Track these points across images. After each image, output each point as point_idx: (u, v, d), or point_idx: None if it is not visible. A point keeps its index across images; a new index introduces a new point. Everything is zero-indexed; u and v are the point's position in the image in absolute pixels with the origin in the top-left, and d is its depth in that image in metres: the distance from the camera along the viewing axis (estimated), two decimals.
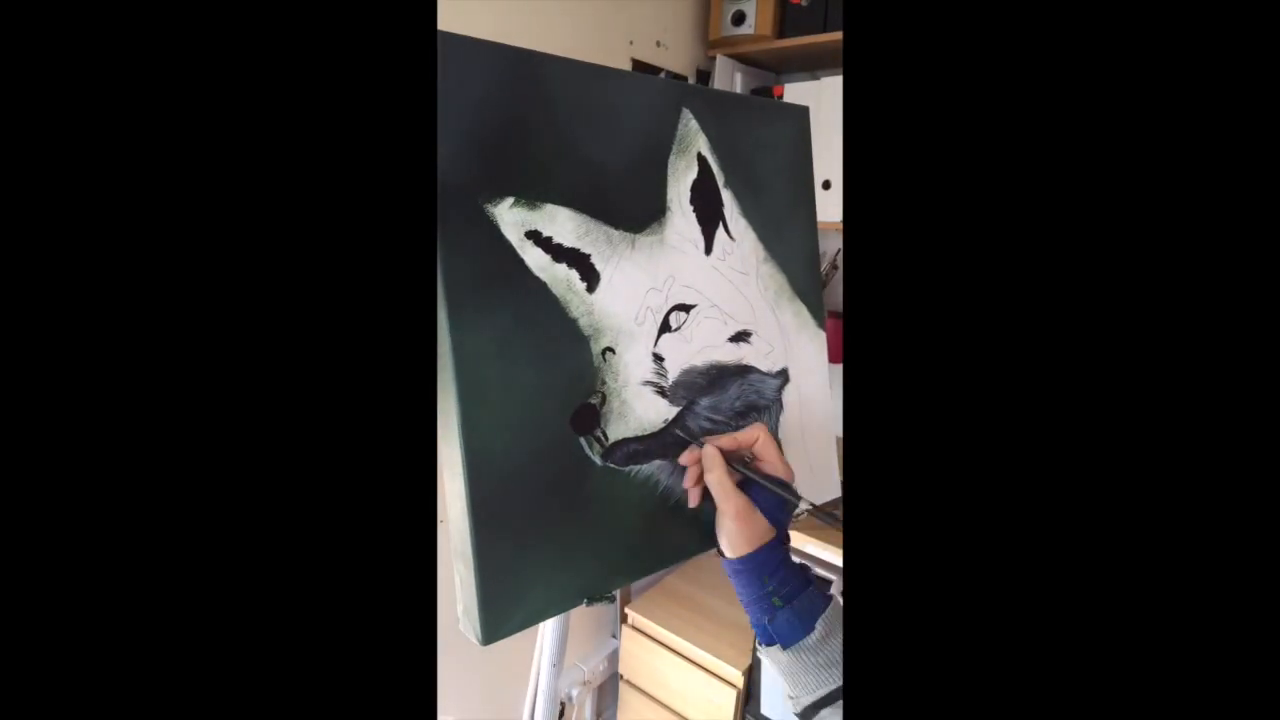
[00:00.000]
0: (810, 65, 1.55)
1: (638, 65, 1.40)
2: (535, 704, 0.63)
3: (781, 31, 1.43)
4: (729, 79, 1.53)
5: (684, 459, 0.55)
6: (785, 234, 0.70)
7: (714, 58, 1.51)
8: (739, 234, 0.66)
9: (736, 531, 0.49)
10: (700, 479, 0.54)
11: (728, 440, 0.54)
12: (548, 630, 0.59)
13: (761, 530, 0.50)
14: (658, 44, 1.45)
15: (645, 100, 0.58)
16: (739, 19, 1.44)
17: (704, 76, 1.57)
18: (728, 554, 0.50)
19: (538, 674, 0.63)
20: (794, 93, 1.43)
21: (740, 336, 0.65)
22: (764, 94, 1.49)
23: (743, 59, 1.54)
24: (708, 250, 0.63)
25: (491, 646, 0.48)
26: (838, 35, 1.35)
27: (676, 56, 1.51)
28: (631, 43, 1.38)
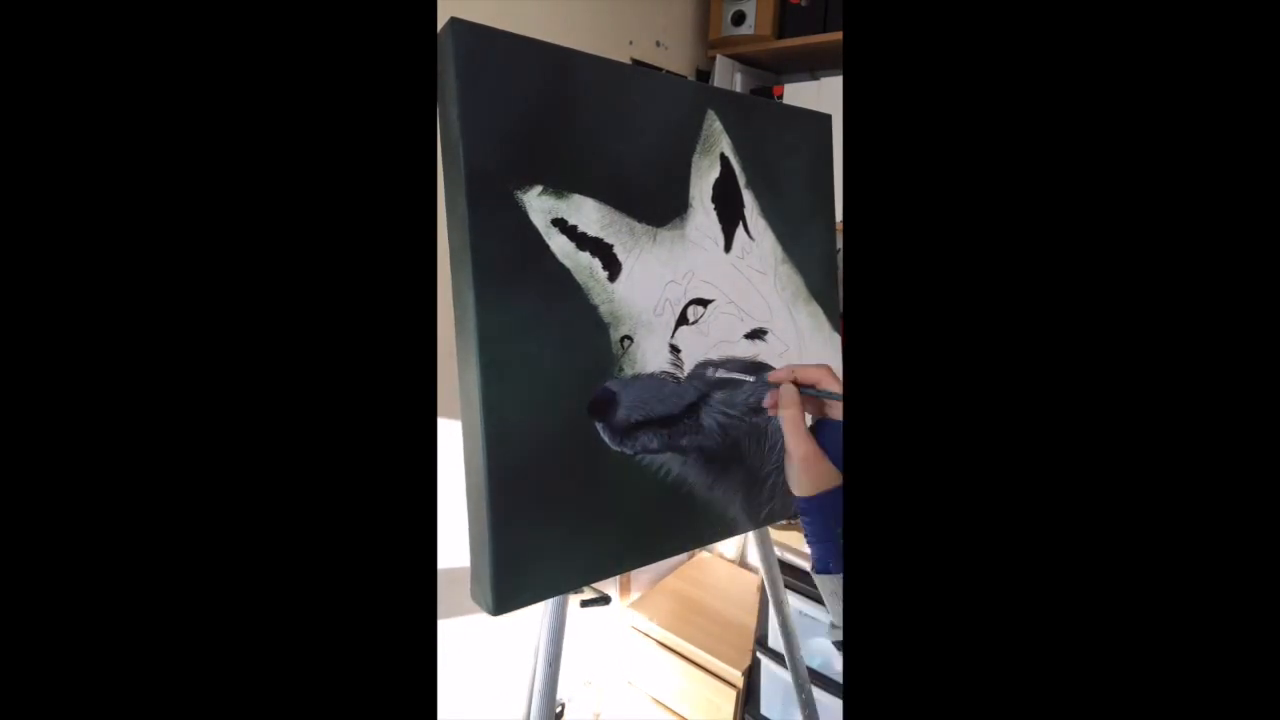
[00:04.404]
0: (810, 65, 1.55)
1: (637, 65, 1.39)
2: (533, 704, 0.63)
3: (781, 32, 1.43)
4: (729, 79, 1.52)
5: (767, 400, 0.54)
6: (804, 236, 0.71)
7: (714, 58, 1.50)
8: (758, 234, 0.67)
9: (802, 474, 0.51)
10: (776, 408, 0.53)
11: (785, 373, 0.54)
12: (545, 630, 0.60)
13: (827, 475, 0.50)
14: (658, 44, 1.44)
15: (672, 100, 0.59)
16: (739, 19, 1.44)
17: (704, 76, 1.56)
18: (794, 492, 0.52)
19: (535, 674, 0.63)
20: (794, 93, 1.42)
21: (756, 334, 0.67)
22: (764, 94, 1.47)
23: (743, 59, 1.53)
24: (727, 248, 0.64)
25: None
26: (838, 35, 1.35)
27: (676, 56, 1.50)
28: (631, 43, 1.37)
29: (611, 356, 0.55)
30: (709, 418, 0.62)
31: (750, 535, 0.81)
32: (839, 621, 0.50)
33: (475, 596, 0.51)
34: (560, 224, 0.52)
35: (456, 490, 0.52)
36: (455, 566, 1.08)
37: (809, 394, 0.53)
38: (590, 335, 0.54)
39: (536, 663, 0.62)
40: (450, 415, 1.04)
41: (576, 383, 0.53)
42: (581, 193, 0.53)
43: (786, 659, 0.85)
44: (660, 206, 0.59)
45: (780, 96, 1.44)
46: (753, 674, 1.39)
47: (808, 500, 0.51)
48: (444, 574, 1.06)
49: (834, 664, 1.25)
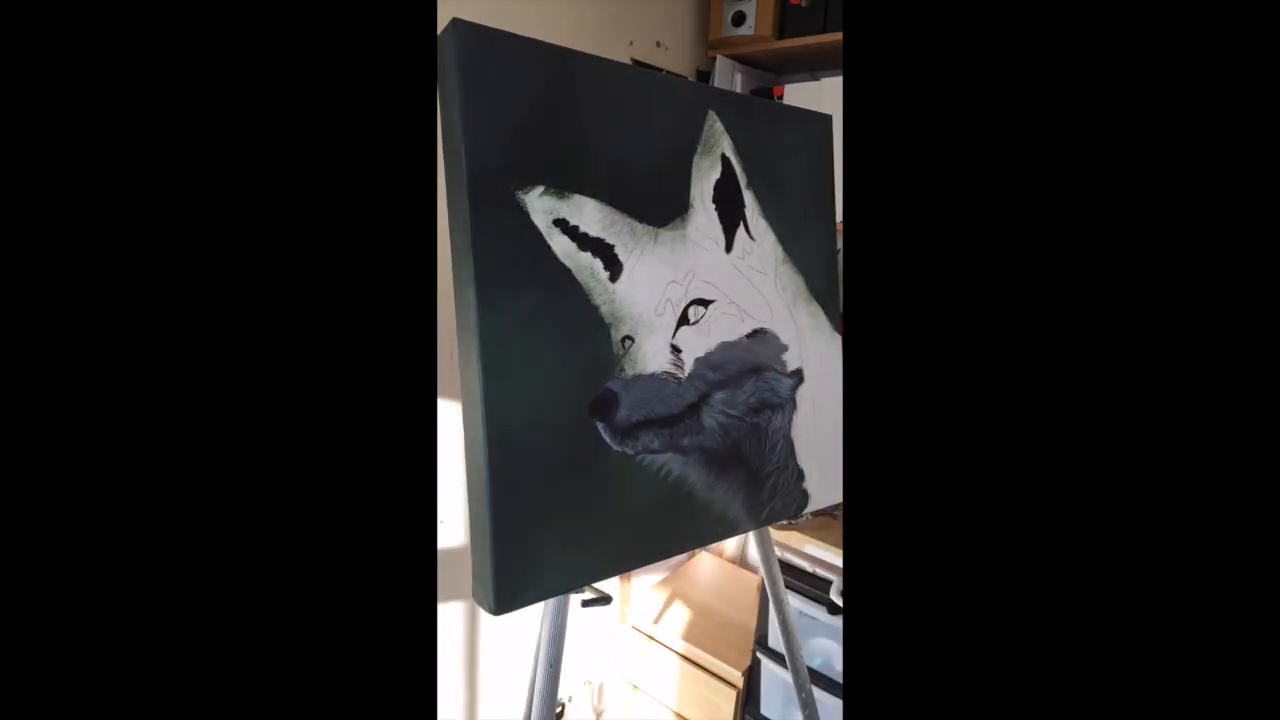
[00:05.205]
0: (810, 65, 1.55)
1: (638, 66, 1.37)
2: (533, 704, 0.63)
3: (781, 32, 1.43)
4: (729, 80, 1.52)
5: None
6: (805, 237, 0.71)
7: (714, 58, 1.51)
8: (759, 234, 0.67)
9: None
10: None
11: None
12: (546, 630, 0.60)
13: None
14: (658, 44, 1.44)
15: (673, 101, 0.60)
16: (739, 19, 1.44)
17: (704, 77, 1.56)
18: None
19: (535, 674, 0.63)
20: (794, 93, 1.42)
21: (757, 334, 0.67)
22: (764, 95, 1.48)
23: (743, 59, 1.53)
24: (728, 248, 0.64)
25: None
26: (838, 35, 1.35)
27: (676, 57, 1.50)
28: (631, 43, 1.37)
29: (612, 356, 0.55)
30: (710, 418, 0.62)
31: (750, 535, 0.81)
32: None
33: (477, 596, 0.51)
34: (561, 224, 0.52)
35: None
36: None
37: None
38: (591, 335, 0.54)
39: (537, 662, 0.62)
40: (456, 399, 1.03)
41: (577, 383, 0.53)
42: (582, 193, 0.53)
43: (786, 659, 0.85)
44: (661, 207, 0.59)
45: (780, 97, 1.44)
46: (753, 674, 1.39)
47: None
48: (457, 553, 1.05)
49: (834, 664, 1.25)
